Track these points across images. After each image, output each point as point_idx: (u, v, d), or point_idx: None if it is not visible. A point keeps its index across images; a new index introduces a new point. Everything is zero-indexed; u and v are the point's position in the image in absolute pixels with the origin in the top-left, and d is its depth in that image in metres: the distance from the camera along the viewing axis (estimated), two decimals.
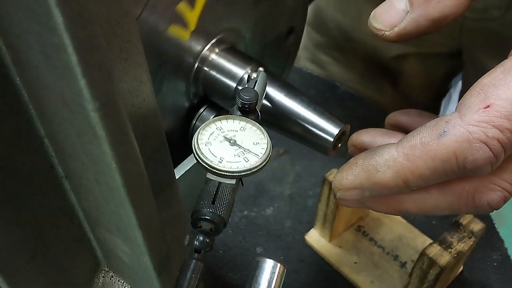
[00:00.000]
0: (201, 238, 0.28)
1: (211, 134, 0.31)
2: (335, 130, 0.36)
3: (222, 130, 0.31)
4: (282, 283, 0.28)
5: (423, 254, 0.56)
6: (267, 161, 0.31)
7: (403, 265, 0.65)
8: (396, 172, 0.31)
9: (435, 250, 0.55)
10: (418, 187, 0.32)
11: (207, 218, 0.28)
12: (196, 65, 0.38)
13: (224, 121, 0.32)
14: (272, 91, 0.37)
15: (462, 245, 0.56)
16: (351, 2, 0.76)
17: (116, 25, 0.23)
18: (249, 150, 0.31)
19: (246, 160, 0.30)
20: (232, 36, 0.40)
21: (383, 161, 0.31)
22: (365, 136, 0.40)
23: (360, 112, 0.81)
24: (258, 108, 0.34)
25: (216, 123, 0.32)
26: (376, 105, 0.81)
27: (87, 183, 0.26)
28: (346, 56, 0.83)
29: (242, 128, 0.32)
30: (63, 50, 0.18)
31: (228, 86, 0.38)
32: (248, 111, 0.33)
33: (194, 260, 0.27)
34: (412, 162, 0.30)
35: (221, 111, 0.41)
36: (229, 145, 0.31)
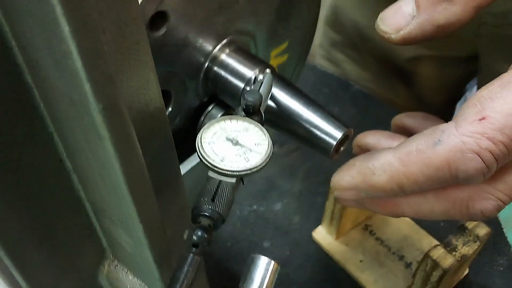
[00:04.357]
0: (199, 233, 0.29)
1: (215, 133, 0.32)
2: (338, 134, 0.37)
3: (225, 130, 0.32)
4: (275, 280, 0.29)
5: (426, 256, 0.56)
6: (267, 162, 0.32)
7: (408, 265, 0.65)
8: (391, 177, 0.32)
9: (439, 253, 0.56)
10: (412, 192, 0.33)
11: (206, 215, 0.30)
12: (206, 64, 0.40)
13: (228, 121, 0.33)
14: (278, 92, 0.38)
15: (467, 249, 0.57)
16: (369, 2, 0.76)
17: (125, 28, 0.25)
18: (250, 150, 0.32)
19: (247, 160, 0.31)
20: (243, 37, 0.41)
21: (379, 164, 0.33)
22: (370, 138, 0.41)
23: (373, 112, 0.81)
24: (262, 110, 0.35)
25: (220, 123, 0.33)
26: (390, 105, 0.82)
27: (92, 177, 0.28)
28: (361, 55, 0.83)
29: (245, 129, 0.33)
30: (69, 56, 0.19)
31: (236, 86, 0.39)
32: (252, 113, 0.34)
33: (191, 254, 0.28)
34: (407, 167, 0.31)
35: (229, 109, 0.42)
36: (231, 145, 0.32)
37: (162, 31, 0.34)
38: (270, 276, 0.28)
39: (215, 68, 0.40)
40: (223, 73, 0.40)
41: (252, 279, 0.28)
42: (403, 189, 0.32)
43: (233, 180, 0.31)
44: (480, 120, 0.29)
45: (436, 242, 0.66)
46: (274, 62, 0.47)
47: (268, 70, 0.38)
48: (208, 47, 0.39)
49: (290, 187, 0.74)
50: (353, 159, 0.35)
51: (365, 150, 0.41)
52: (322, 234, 0.68)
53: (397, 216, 0.36)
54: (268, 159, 0.32)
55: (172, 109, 0.39)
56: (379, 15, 0.35)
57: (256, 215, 0.71)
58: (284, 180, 0.74)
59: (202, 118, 0.42)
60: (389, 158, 0.32)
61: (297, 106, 0.38)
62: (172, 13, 0.34)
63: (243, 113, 0.34)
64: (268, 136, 0.33)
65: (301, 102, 0.38)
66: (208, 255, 0.67)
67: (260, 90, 0.35)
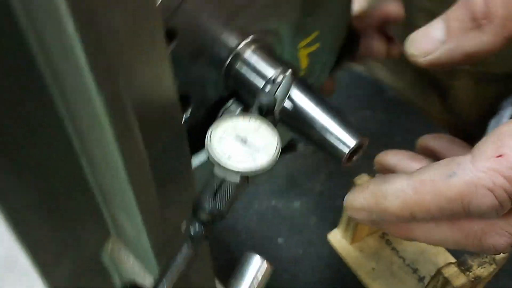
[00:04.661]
0: (196, 228, 0.29)
1: (225, 130, 0.33)
2: (352, 143, 0.36)
3: (236, 128, 0.33)
4: (266, 280, 0.29)
5: (439, 272, 0.55)
6: (273, 164, 0.32)
7: (421, 279, 0.64)
8: (403, 203, 0.32)
9: (452, 271, 0.55)
10: (424, 220, 0.32)
11: (205, 210, 0.30)
12: (229, 59, 0.40)
13: (240, 119, 0.33)
14: (296, 94, 0.38)
15: (482, 271, 0.55)
16: (405, 11, 0.75)
17: (141, 20, 0.25)
18: (258, 151, 0.32)
19: (254, 160, 0.32)
20: (270, 36, 0.41)
21: (392, 190, 0.33)
22: (391, 158, 0.41)
23: (404, 120, 0.79)
24: (277, 111, 0.35)
25: (232, 120, 0.33)
26: (423, 115, 0.80)
27: (97, 162, 0.28)
28: (397, 63, 0.82)
29: (256, 129, 0.33)
30: (74, 50, 0.20)
31: (255, 85, 0.39)
32: (265, 113, 0.34)
33: (186, 247, 0.29)
34: (420, 196, 0.31)
35: (248, 106, 0.42)
36: (240, 143, 0.32)
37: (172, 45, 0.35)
38: (262, 277, 0.28)
39: (237, 65, 0.40)
40: (244, 70, 0.40)
41: (242, 276, 0.28)
42: (414, 216, 0.32)
43: (237, 178, 0.31)
44: (497, 157, 0.29)
45: (452, 259, 0.65)
46: (303, 52, 0.47)
47: (288, 72, 0.38)
48: (232, 43, 0.39)
49: (311, 187, 0.73)
50: (369, 181, 0.35)
51: (386, 169, 0.41)
52: (337, 237, 0.68)
53: (409, 240, 0.36)
54: (274, 162, 0.32)
55: (192, 104, 0.40)
56: (409, 36, 0.35)
57: (274, 211, 0.71)
58: (306, 179, 0.74)
59: (220, 113, 0.42)
60: (403, 184, 0.32)
61: (313, 110, 0.38)
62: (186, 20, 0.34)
63: (256, 113, 0.34)
64: (278, 138, 0.33)
65: (319, 107, 0.38)
66: (221, 245, 0.67)
67: (277, 92, 0.35)
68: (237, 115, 0.33)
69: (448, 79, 0.78)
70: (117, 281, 0.38)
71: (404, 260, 0.66)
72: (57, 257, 0.34)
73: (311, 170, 0.75)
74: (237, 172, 0.31)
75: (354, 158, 0.38)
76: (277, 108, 0.35)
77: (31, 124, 0.27)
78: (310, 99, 0.38)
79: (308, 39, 0.46)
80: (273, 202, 0.72)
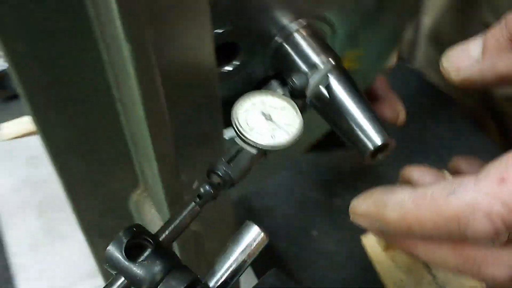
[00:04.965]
0: (207, 187, 0.31)
1: (254, 104, 0.34)
2: (378, 141, 0.37)
3: (263, 103, 0.34)
4: (259, 250, 0.31)
5: None
6: (292, 144, 0.33)
7: None
8: (402, 215, 0.32)
9: None
10: (422, 236, 0.32)
11: (218, 173, 0.32)
12: (277, 38, 0.41)
13: (269, 96, 0.35)
14: (334, 83, 0.39)
15: None
16: (465, 25, 0.72)
17: None
18: (279, 128, 0.33)
19: (273, 137, 0.33)
20: (325, 28, 0.42)
21: (393, 200, 0.33)
22: (415, 173, 0.41)
23: (465, 141, 0.77)
24: (309, 95, 0.36)
25: (261, 95, 0.35)
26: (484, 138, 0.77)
27: (129, 109, 0.31)
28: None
29: (282, 107, 0.34)
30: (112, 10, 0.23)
31: (299, 68, 0.40)
32: (295, 95, 0.35)
33: (193, 203, 0.31)
34: (418, 210, 0.31)
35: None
36: (264, 119, 0.34)
37: None
38: (255, 244, 0.30)
39: (287, 45, 0.41)
40: (292, 51, 0.41)
41: (238, 243, 0.30)
42: (411, 230, 0.32)
43: (254, 150, 0.33)
44: (500, 181, 0.28)
45: (483, 285, 0.63)
46: (344, 64, 0.48)
47: (329, 61, 0.39)
48: (286, 21, 0.41)
49: (357, 186, 0.73)
50: (375, 188, 0.36)
51: (408, 182, 0.41)
52: (371, 241, 0.68)
53: (411, 255, 0.36)
54: (293, 142, 0.33)
55: (238, 68, 0.41)
56: (447, 50, 0.34)
57: (315, 203, 0.72)
58: (354, 178, 0.74)
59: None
60: (405, 196, 0.32)
61: (348, 102, 0.38)
62: None
63: (288, 93, 0.36)
64: (301, 121, 0.34)
65: (354, 100, 0.38)
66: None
67: (312, 77, 0.36)
68: (266, 91, 0.35)
69: (506, 106, 0.75)
70: None
71: (434, 277, 0.65)
72: (89, 195, 0.38)
73: (361, 171, 0.75)
74: (255, 145, 0.33)
75: (379, 156, 0.38)
76: (309, 93, 0.36)
77: (77, 64, 0.30)
78: (346, 91, 0.39)
79: (353, 53, 0.47)
80: (315, 194, 0.72)
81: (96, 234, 0.41)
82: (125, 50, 0.25)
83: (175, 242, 0.38)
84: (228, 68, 0.40)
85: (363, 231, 0.69)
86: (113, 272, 0.28)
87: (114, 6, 0.23)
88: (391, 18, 0.46)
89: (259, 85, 0.44)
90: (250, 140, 0.33)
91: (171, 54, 0.29)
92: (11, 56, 0.27)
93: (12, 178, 0.77)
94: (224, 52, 0.39)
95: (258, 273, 0.63)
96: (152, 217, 0.39)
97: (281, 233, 0.69)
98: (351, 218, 0.37)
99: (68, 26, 0.28)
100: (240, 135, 0.33)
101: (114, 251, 0.28)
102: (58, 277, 0.67)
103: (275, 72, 0.44)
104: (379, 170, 0.75)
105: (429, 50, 0.83)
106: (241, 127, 0.33)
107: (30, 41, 0.28)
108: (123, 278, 0.28)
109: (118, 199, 0.39)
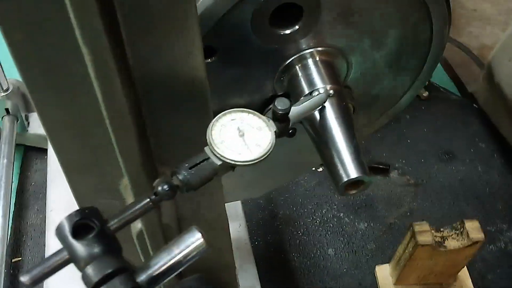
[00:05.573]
0: (165, 187, 0.34)
1: (233, 119, 0.36)
2: (354, 174, 0.37)
3: (242, 120, 0.36)
4: (197, 255, 0.32)
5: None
6: (255, 163, 0.34)
7: None
8: None
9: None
10: None
11: (178, 176, 0.34)
12: (291, 60, 0.42)
13: (250, 115, 0.36)
14: (329, 111, 0.39)
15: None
16: None
17: (174, 9, 0.30)
18: (248, 147, 0.35)
19: (240, 153, 0.35)
20: (338, 56, 0.43)
21: None
22: None
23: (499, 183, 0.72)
24: (293, 121, 0.37)
25: (242, 113, 0.36)
26: None
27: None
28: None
29: (259, 128, 0.36)
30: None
31: (302, 90, 0.41)
32: (277, 119, 0.36)
33: (148, 199, 0.33)
34: None
35: None
36: (237, 135, 0.35)
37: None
38: (192, 247, 0.32)
39: (297, 66, 0.42)
40: (299, 74, 0.42)
41: (178, 243, 0.32)
42: None
43: (218, 162, 0.35)
44: None
45: None
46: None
47: (327, 90, 0.39)
48: (302, 45, 0.42)
49: (385, 215, 0.72)
50: None
51: None
52: (384, 272, 0.67)
53: None
54: (256, 163, 0.34)
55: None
56: None
57: (339, 224, 0.72)
58: (383, 209, 0.73)
59: (269, 108, 0.45)
60: None
61: (336, 130, 0.39)
62: None
63: (270, 115, 0.37)
64: (272, 144, 0.35)
65: (342, 130, 0.39)
66: (273, 228, 0.71)
67: (302, 104, 0.37)
68: (248, 110, 0.36)
69: None
70: None
71: None
72: (83, 171, 0.42)
73: (393, 201, 0.74)
74: (220, 157, 0.34)
75: (352, 191, 0.38)
76: (295, 119, 0.36)
77: (64, 53, 0.33)
78: (338, 120, 0.39)
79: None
80: (341, 215, 0.72)
81: None
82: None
83: (144, 232, 0.41)
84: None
85: (379, 261, 0.68)
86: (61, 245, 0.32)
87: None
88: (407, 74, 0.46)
89: (266, 101, 0.45)
90: (216, 152, 0.34)
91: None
92: (10, 42, 0.31)
93: None
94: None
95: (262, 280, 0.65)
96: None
97: (298, 248, 0.70)
98: None
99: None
100: (209, 145, 0.35)
101: (65, 225, 0.31)
102: None
103: (281, 93, 0.45)
104: (412, 208, 0.73)
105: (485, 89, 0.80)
106: (212, 138, 0.35)
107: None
108: (66, 252, 0.31)
109: (110, 180, 0.43)
